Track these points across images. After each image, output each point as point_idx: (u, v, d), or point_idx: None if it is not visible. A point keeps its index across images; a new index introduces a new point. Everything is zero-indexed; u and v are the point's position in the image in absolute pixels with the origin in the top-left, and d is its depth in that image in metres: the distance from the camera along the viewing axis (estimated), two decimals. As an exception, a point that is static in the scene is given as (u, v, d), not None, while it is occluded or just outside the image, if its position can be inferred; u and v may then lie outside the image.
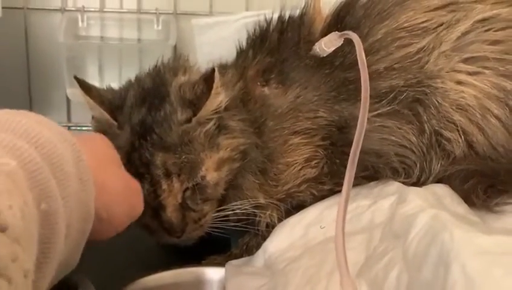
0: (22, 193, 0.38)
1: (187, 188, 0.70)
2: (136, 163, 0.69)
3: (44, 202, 0.40)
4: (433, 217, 0.53)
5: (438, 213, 0.53)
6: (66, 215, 0.43)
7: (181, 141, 0.69)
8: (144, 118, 0.71)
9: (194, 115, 0.70)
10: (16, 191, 0.37)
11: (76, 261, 0.49)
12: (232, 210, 0.75)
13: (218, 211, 0.75)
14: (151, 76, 0.77)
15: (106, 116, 0.72)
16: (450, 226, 0.49)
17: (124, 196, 0.58)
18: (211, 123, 0.71)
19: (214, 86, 0.69)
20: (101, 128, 0.73)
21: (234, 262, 0.74)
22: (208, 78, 0.70)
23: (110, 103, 0.73)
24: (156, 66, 0.79)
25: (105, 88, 0.77)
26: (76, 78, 0.73)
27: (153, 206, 0.71)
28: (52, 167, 0.43)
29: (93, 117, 0.75)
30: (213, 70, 0.69)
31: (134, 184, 0.63)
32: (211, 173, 0.71)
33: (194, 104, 0.70)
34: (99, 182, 0.51)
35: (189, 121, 0.70)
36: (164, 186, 0.69)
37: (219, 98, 0.71)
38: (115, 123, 0.72)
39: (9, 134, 0.41)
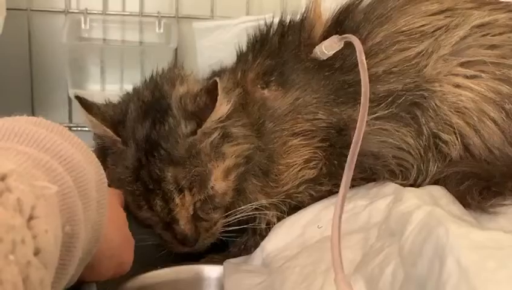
0: (56, 217, 0.38)
1: (198, 200, 0.71)
2: (145, 179, 0.70)
3: (69, 225, 0.40)
4: (428, 213, 0.54)
5: (433, 210, 0.54)
6: (83, 238, 0.43)
7: (189, 154, 0.70)
8: (148, 133, 0.71)
9: (199, 126, 0.70)
10: (52, 215, 0.37)
11: (76, 279, 0.49)
12: (235, 215, 0.75)
13: (226, 217, 0.76)
14: (149, 88, 0.76)
15: (109, 133, 0.72)
16: (445, 222, 0.50)
17: (118, 252, 0.58)
18: (216, 133, 0.72)
19: (218, 98, 0.70)
20: (104, 145, 0.74)
21: (232, 260, 0.75)
22: (210, 90, 0.70)
23: (112, 119, 0.73)
24: (152, 76, 0.79)
25: (105, 102, 0.77)
26: (77, 97, 0.73)
27: (166, 220, 0.72)
28: (79, 190, 0.43)
29: (94, 134, 0.75)
30: (215, 82, 0.70)
31: (130, 243, 0.63)
32: (219, 182, 0.72)
33: (198, 116, 0.71)
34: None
35: (194, 133, 0.70)
36: (177, 200, 0.70)
37: (222, 108, 0.71)
38: (119, 139, 0.72)
39: (45, 154, 0.41)
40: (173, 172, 0.69)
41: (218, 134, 0.72)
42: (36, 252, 0.34)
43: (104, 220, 0.49)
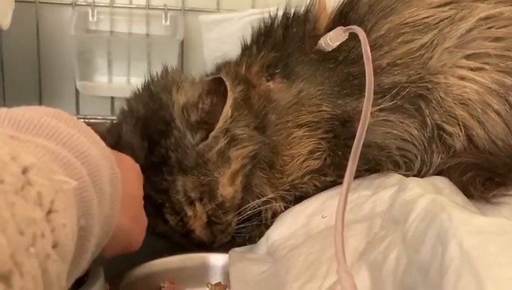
0: (72, 211, 0.39)
1: (210, 209, 0.73)
2: (152, 196, 0.70)
3: (84, 218, 0.41)
4: (432, 201, 0.54)
5: (437, 197, 0.55)
6: (96, 232, 0.44)
7: (196, 163, 0.70)
8: (147, 153, 0.70)
9: (209, 131, 0.71)
10: (69, 209, 0.38)
11: (85, 270, 0.49)
12: (245, 210, 0.77)
13: (237, 215, 0.77)
14: (143, 101, 0.76)
15: None
16: (448, 208, 0.50)
17: (127, 235, 0.58)
18: (223, 139, 0.72)
19: (228, 95, 0.70)
20: None
21: (238, 249, 0.76)
22: (211, 91, 0.70)
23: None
24: (146, 84, 0.78)
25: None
26: None
27: (182, 232, 0.73)
28: (95, 184, 0.43)
29: None
30: (216, 80, 0.70)
31: (142, 225, 0.63)
32: (226, 188, 0.73)
33: (206, 122, 0.71)
34: None
35: (204, 139, 0.71)
36: (189, 213, 0.72)
37: (228, 105, 0.71)
38: None
39: (63, 148, 0.42)
40: (182, 182, 0.70)
41: (225, 139, 0.72)
42: (54, 245, 0.35)
43: (116, 214, 0.50)
